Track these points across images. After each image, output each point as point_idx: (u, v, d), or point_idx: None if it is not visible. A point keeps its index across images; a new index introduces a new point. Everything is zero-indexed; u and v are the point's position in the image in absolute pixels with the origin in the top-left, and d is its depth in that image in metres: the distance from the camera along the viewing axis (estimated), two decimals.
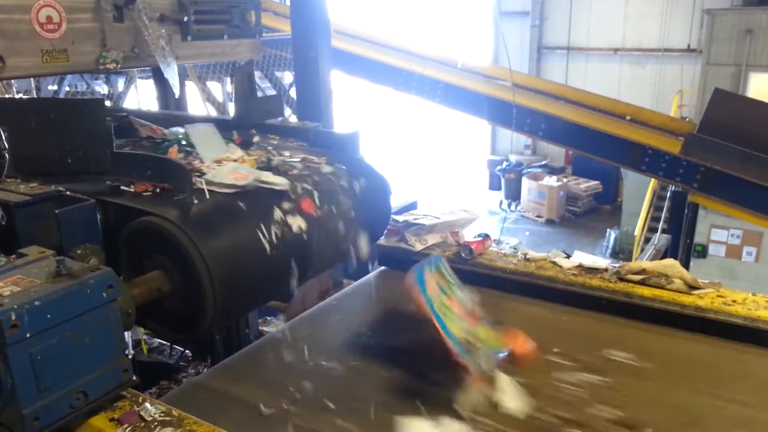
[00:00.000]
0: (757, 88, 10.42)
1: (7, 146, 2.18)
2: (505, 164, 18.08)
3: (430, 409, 1.88)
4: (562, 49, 17.70)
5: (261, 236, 1.96)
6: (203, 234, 1.83)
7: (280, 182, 2.11)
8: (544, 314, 2.46)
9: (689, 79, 14.88)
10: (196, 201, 1.89)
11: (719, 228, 10.38)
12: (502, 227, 10.34)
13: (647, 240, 11.87)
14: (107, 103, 7.47)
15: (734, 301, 2.26)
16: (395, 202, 2.79)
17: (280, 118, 2.95)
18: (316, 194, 2.19)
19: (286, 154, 2.46)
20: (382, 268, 2.91)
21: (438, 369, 2.08)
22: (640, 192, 12.53)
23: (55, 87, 8.35)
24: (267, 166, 2.28)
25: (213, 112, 8.16)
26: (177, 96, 3.79)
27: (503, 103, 6.26)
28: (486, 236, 2.81)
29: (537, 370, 2.08)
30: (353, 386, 2.10)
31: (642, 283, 2.39)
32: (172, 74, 3.18)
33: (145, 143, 2.70)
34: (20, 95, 6.38)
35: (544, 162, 18.29)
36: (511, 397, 1.93)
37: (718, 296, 2.30)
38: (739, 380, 2.03)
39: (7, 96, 5.58)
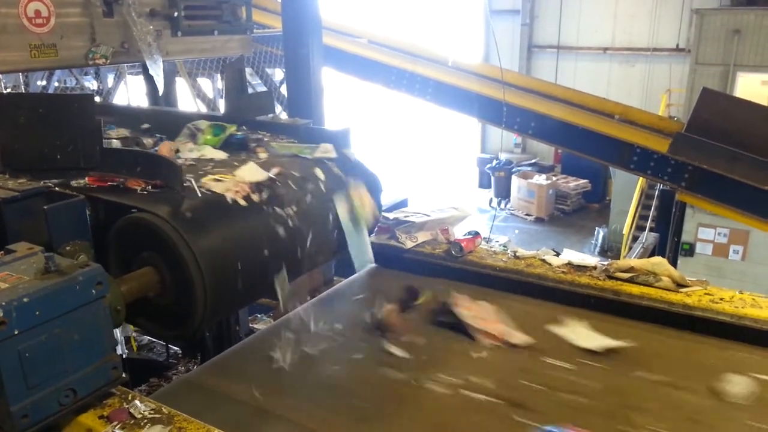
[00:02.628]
0: (745, 88, 10.50)
1: None
2: (494, 162, 18.12)
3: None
4: (552, 48, 17.76)
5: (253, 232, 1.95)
6: (193, 230, 1.82)
7: None
8: (534, 311, 2.47)
9: (678, 78, 14.99)
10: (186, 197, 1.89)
11: (706, 227, 10.46)
12: (492, 225, 10.36)
13: (635, 238, 11.95)
14: (96, 98, 7.39)
15: (721, 299, 2.28)
16: (386, 199, 2.79)
17: (270, 115, 2.94)
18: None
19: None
20: (373, 265, 2.91)
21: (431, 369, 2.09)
22: (629, 191, 12.61)
23: (44, 82, 8.26)
24: None
25: (203, 109, 8.12)
26: (161, 93, 3.77)
27: (493, 102, 6.28)
28: (476, 234, 2.82)
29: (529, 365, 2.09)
30: (345, 382, 2.10)
31: (630, 281, 2.41)
32: (157, 70, 3.16)
33: None
34: (8, 90, 6.32)
35: (533, 160, 18.36)
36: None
37: (705, 294, 2.32)
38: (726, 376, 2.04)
39: None
